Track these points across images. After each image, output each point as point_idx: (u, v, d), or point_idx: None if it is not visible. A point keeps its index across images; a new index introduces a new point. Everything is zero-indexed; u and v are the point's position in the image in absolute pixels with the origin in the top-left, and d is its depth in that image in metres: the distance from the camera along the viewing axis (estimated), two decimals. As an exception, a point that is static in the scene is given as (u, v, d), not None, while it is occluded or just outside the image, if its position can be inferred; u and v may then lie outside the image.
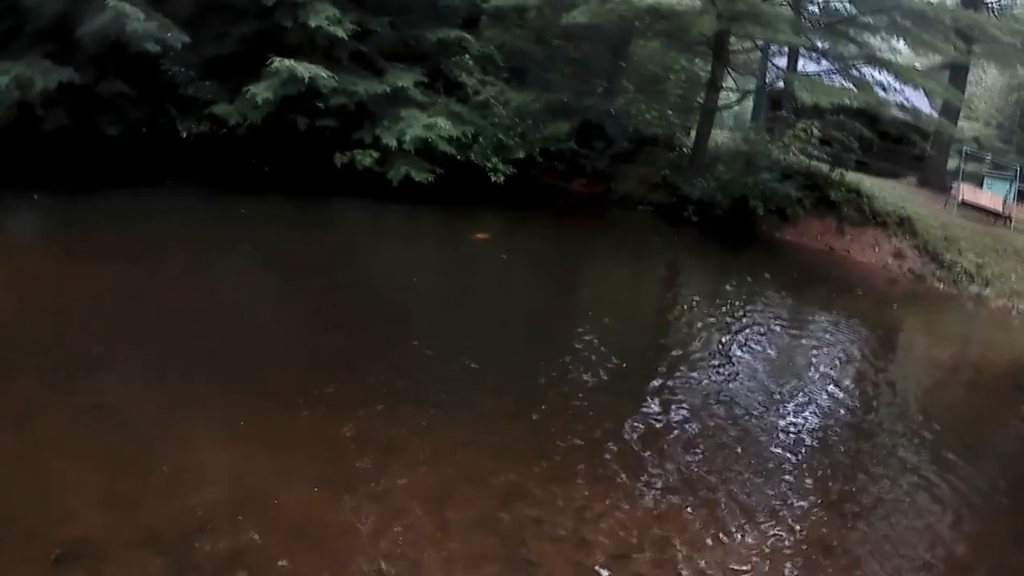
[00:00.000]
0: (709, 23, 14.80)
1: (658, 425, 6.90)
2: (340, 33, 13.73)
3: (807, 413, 7.83)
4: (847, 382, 9.07)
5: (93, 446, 5.37)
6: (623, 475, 5.88)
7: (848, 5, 17.93)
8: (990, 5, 22.07)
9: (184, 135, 14.08)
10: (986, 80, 32.36)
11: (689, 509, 5.55)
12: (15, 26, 12.84)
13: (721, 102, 19.48)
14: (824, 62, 18.57)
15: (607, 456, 6.15)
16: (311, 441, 5.81)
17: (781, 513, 5.70)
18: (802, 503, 5.93)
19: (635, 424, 6.79)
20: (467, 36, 16.09)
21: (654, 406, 7.29)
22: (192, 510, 4.76)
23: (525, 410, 6.80)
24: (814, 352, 10.04)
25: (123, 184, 12.54)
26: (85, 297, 8.24)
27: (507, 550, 4.83)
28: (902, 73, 17.53)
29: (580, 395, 7.35)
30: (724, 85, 18.63)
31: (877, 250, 16.50)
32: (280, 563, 4.43)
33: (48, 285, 8.45)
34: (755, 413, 7.57)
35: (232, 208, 12.77)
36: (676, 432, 6.84)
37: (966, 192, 19.34)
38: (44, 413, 5.72)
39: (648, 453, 6.31)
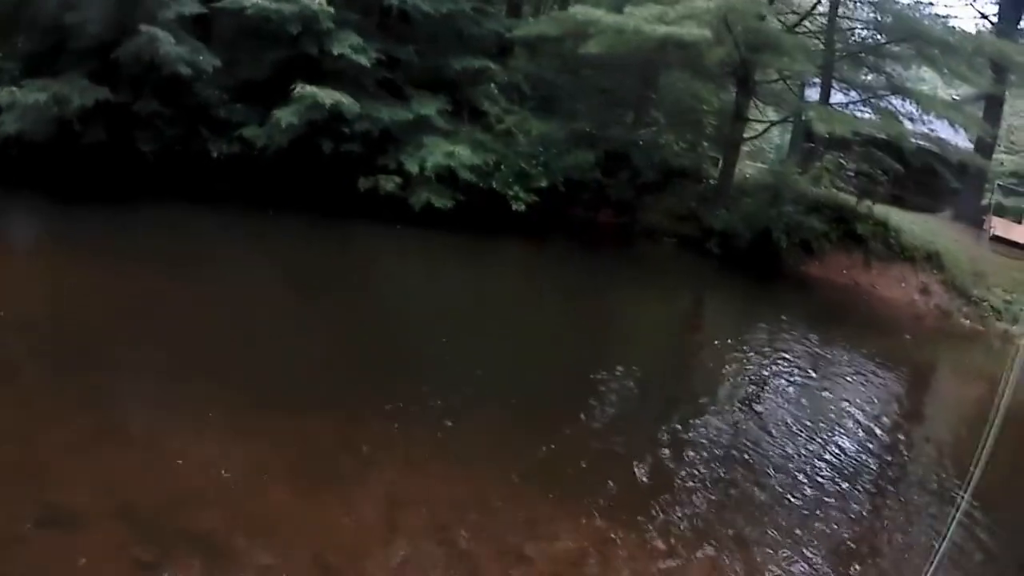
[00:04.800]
0: (721, 53, 14.87)
1: (670, 464, 6.83)
2: (364, 61, 14.10)
3: (826, 458, 7.62)
4: (868, 427, 8.77)
5: (90, 425, 5.69)
6: (628, 511, 5.77)
7: (876, 34, 17.86)
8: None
9: (215, 155, 14.48)
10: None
11: (696, 550, 5.49)
12: (57, 45, 13.41)
13: (750, 133, 19.45)
14: (853, 92, 18.47)
15: (612, 490, 6.10)
16: (294, 441, 6.00)
17: (787, 554, 5.61)
18: (814, 547, 5.81)
19: (645, 461, 6.73)
20: (492, 65, 16.31)
21: (665, 442, 7.22)
22: (169, 492, 5.02)
23: (532, 441, 6.70)
24: (834, 395, 9.82)
25: (156, 199, 12.95)
26: (111, 299, 8.73)
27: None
28: (925, 102, 17.35)
29: (592, 429, 7.29)
30: (755, 117, 18.57)
31: (904, 285, 16.22)
32: (235, 545, 4.63)
33: (79, 288, 8.88)
34: (772, 455, 7.43)
35: (257, 226, 13.16)
36: (686, 471, 6.78)
37: (999, 226, 19.01)
38: (52, 393, 6.16)
39: (655, 490, 6.26)
